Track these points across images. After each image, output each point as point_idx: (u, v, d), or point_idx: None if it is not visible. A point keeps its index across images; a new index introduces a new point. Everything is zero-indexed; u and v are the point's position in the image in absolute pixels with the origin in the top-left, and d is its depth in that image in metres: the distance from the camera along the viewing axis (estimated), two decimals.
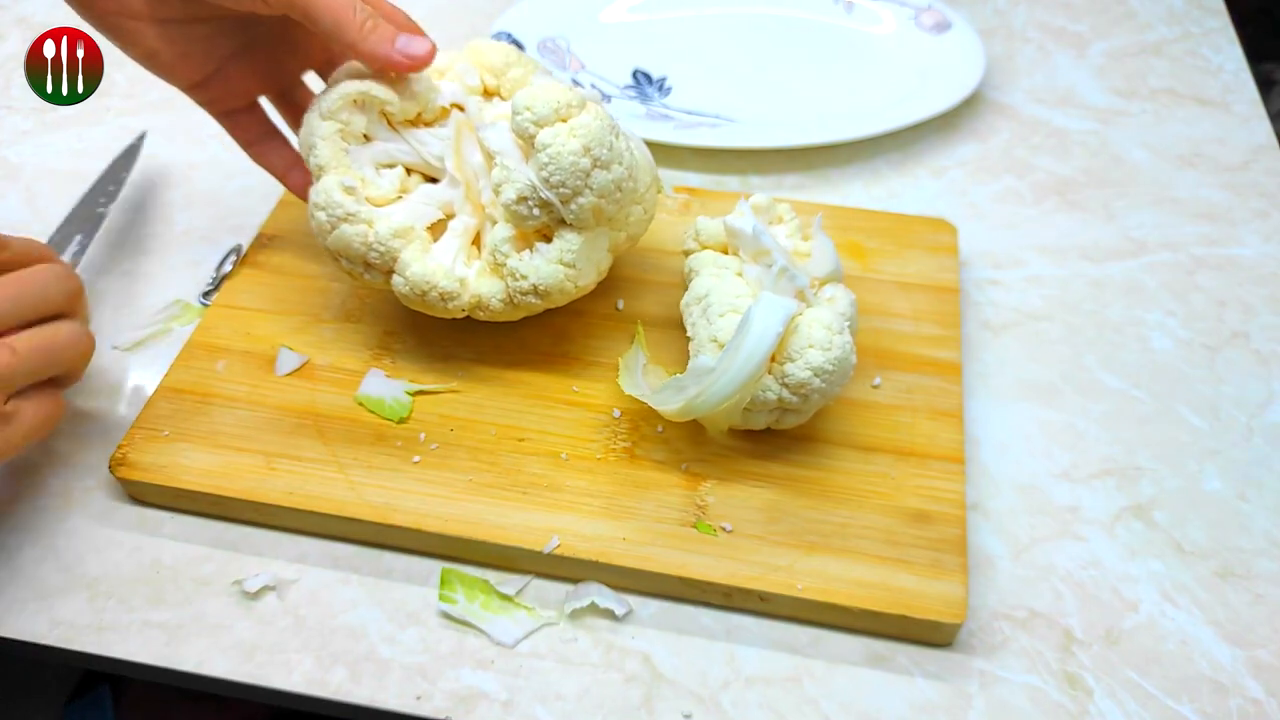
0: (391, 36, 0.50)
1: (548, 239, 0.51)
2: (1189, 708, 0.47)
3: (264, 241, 0.65)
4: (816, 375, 0.48)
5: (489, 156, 0.52)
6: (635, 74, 0.82)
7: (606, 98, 0.80)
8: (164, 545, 0.52)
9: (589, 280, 0.53)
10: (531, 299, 0.52)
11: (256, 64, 0.55)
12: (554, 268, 0.51)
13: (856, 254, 0.64)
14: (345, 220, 0.51)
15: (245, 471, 0.52)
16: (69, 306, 0.49)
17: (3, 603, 0.50)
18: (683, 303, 0.54)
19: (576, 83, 0.80)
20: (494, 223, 0.53)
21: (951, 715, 0.46)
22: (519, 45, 0.81)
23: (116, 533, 0.53)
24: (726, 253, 0.55)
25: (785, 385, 0.49)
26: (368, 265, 0.52)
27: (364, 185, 0.52)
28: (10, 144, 0.76)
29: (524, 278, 0.51)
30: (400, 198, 0.53)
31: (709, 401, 0.48)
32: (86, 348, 0.50)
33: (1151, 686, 0.47)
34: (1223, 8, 0.91)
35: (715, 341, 0.50)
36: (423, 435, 0.54)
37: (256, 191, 0.70)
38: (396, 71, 0.51)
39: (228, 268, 0.64)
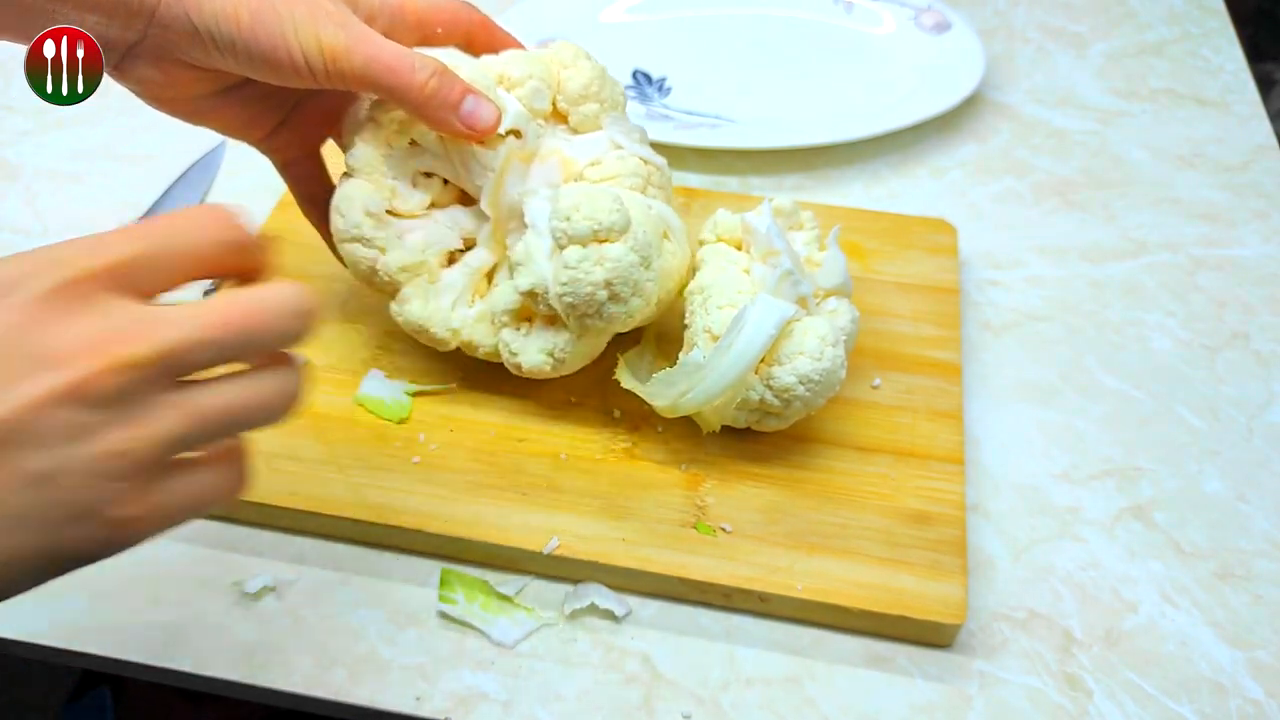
0: (456, 101, 0.47)
1: (551, 319, 0.51)
2: (1189, 709, 0.47)
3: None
4: (802, 383, 0.48)
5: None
6: (635, 74, 0.82)
7: None
8: (163, 545, 0.52)
9: (575, 368, 0.53)
10: (513, 366, 0.52)
11: (322, 107, 0.53)
12: (541, 357, 0.51)
13: (856, 254, 0.64)
14: (359, 241, 0.50)
15: None
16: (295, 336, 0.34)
17: (3, 603, 0.50)
18: (686, 290, 0.54)
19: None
20: (511, 270, 0.52)
21: (951, 716, 0.46)
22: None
23: None
24: (740, 249, 0.55)
25: (770, 387, 0.49)
26: (368, 281, 0.52)
27: (394, 196, 0.51)
28: (10, 144, 0.76)
29: (514, 353, 0.51)
30: (428, 213, 0.52)
31: (697, 399, 0.49)
32: (294, 395, 0.35)
33: (1151, 687, 0.47)
34: (1223, 8, 0.91)
35: (709, 332, 0.50)
36: (422, 436, 0.54)
37: (256, 192, 0.69)
38: (458, 137, 0.49)
39: None
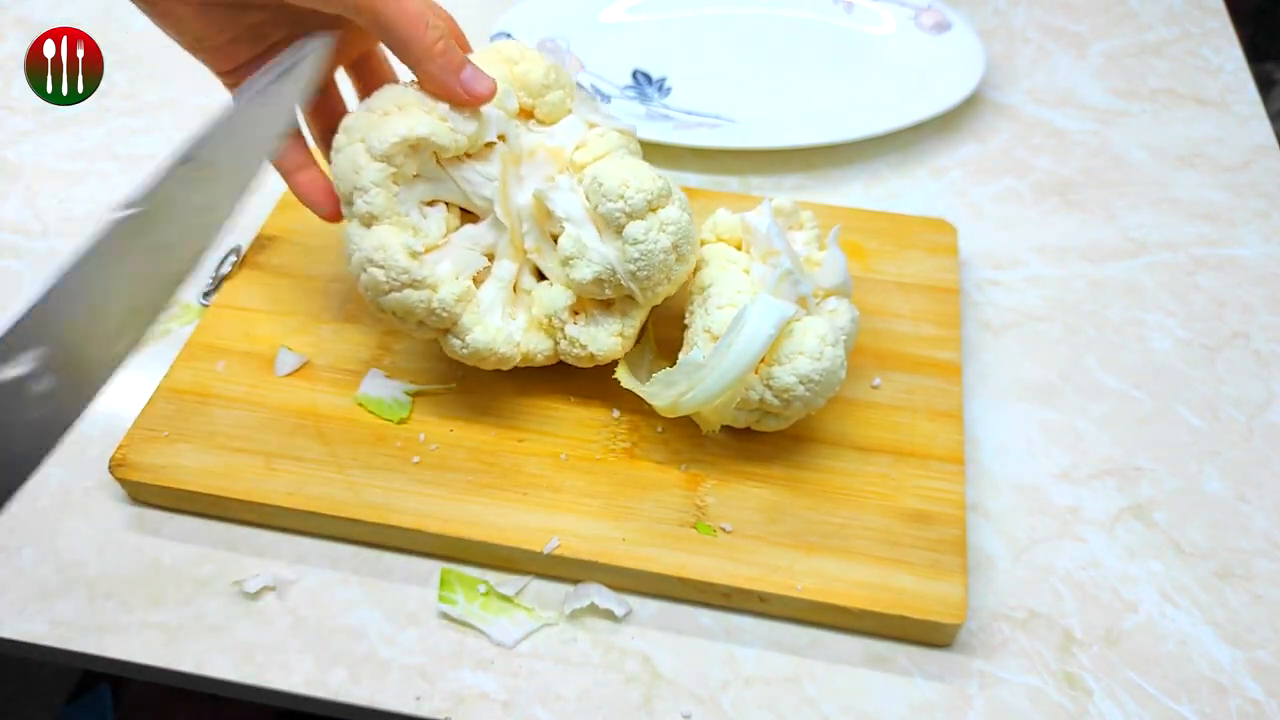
0: (459, 66, 0.47)
1: (605, 302, 0.51)
2: (1189, 708, 0.47)
3: (263, 242, 0.65)
4: (802, 383, 0.48)
5: (543, 210, 0.50)
6: (635, 74, 0.82)
7: (606, 98, 0.80)
8: (164, 545, 0.52)
9: (635, 340, 0.53)
10: (583, 359, 0.52)
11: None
12: (613, 340, 0.51)
13: (856, 254, 0.64)
14: (410, 286, 0.48)
15: (245, 472, 0.52)
16: None
17: (3, 603, 0.50)
18: (686, 289, 0.54)
19: (576, 83, 0.80)
20: (535, 270, 0.52)
21: (951, 716, 0.46)
22: None
23: (116, 533, 0.53)
24: (740, 248, 0.55)
25: (769, 387, 0.49)
26: (420, 324, 0.50)
27: (416, 233, 0.49)
28: (10, 144, 0.76)
29: (583, 346, 0.51)
30: (447, 240, 0.51)
31: (697, 398, 0.49)
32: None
33: (1151, 687, 0.47)
34: (1223, 8, 0.91)
35: (709, 333, 0.50)
36: (422, 436, 0.54)
37: (255, 192, 0.69)
38: (452, 103, 0.48)
39: (227, 268, 0.64)
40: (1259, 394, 0.60)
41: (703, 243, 0.56)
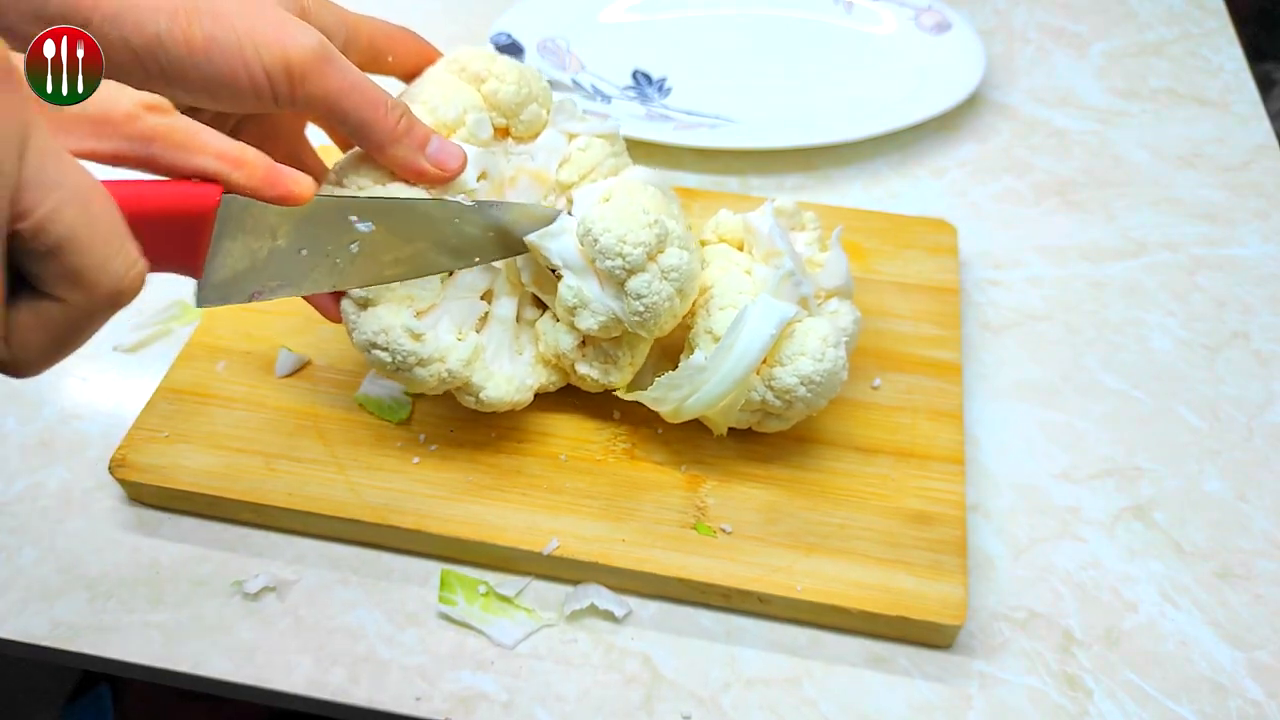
0: (423, 142, 0.45)
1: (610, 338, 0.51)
2: (1189, 709, 0.47)
3: None
4: (803, 384, 0.48)
5: (537, 249, 0.49)
6: (635, 74, 0.82)
7: (606, 98, 0.80)
8: (163, 546, 0.52)
9: (642, 361, 0.53)
10: (594, 387, 0.52)
11: (260, 131, 0.49)
12: (627, 372, 0.52)
13: (856, 255, 0.64)
14: (419, 365, 0.47)
15: (245, 473, 0.52)
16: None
17: (3, 603, 0.50)
18: None
19: (576, 83, 0.80)
20: (533, 299, 0.52)
21: (951, 716, 0.46)
22: (519, 46, 0.81)
23: (116, 533, 0.53)
24: (742, 249, 0.55)
25: (771, 388, 0.49)
26: (437, 390, 0.50)
27: (413, 300, 0.48)
28: None
29: (595, 380, 0.51)
30: (442, 293, 0.49)
31: (700, 401, 0.49)
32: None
33: (1151, 687, 0.47)
34: (1223, 8, 0.91)
35: (711, 334, 0.50)
36: (422, 436, 0.54)
37: None
38: (423, 183, 0.46)
39: None
40: (1259, 394, 0.60)
41: (704, 243, 0.55)
